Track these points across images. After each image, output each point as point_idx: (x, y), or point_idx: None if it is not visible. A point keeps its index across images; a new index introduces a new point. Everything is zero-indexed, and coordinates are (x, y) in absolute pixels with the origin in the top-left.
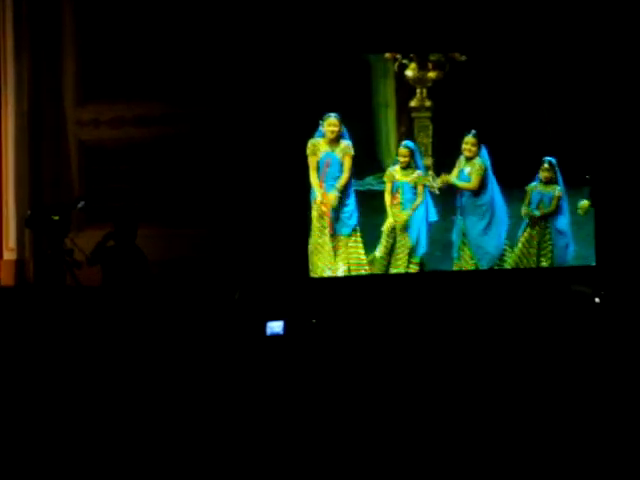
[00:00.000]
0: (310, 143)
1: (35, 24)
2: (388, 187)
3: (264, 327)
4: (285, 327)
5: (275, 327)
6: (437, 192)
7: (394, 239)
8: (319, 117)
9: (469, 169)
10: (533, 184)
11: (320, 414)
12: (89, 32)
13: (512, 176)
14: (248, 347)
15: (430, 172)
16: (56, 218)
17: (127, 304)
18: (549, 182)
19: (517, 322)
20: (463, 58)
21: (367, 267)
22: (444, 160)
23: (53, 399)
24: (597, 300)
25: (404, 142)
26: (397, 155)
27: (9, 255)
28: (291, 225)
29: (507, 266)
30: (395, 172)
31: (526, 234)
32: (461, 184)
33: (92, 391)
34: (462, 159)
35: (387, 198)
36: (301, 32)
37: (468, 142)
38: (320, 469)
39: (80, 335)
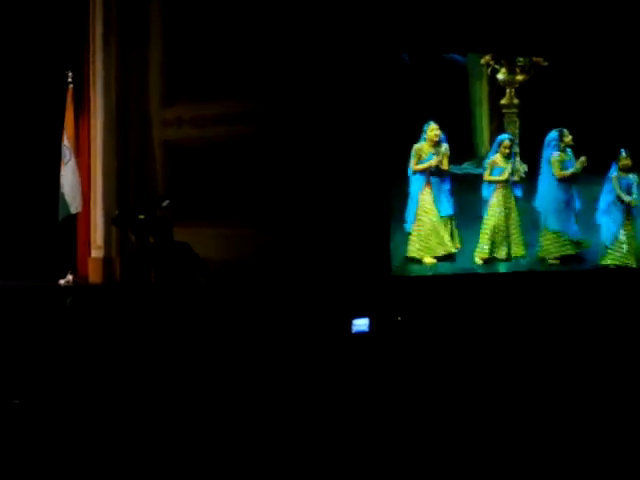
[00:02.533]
0: (416, 147)
1: (123, 27)
2: (488, 172)
3: (350, 325)
4: (371, 325)
5: (361, 325)
6: (523, 175)
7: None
8: (421, 121)
9: (575, 160)
10: (615, 173)
11: (404, 412)
12: (174, 32)
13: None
14: (334, 345)
15: (517, 158)
16: (142, 217)
17: (195, 303)
18: (628, 170)
19: (610, 325)
20: (545, 63)
21: (453, 248)
22: (529, 148)
23: (129, 392)
24: None
25: (504, 135)
26: (500, 145)
27: (97, 253)
28: (373, 222)
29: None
30: (497, 159)
31: (627, 226)
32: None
33: (167, 387)
34: (562, 154)
35: (489, 177)
36: (405, 37)
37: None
38: (407, 467)
39: (162, 332)
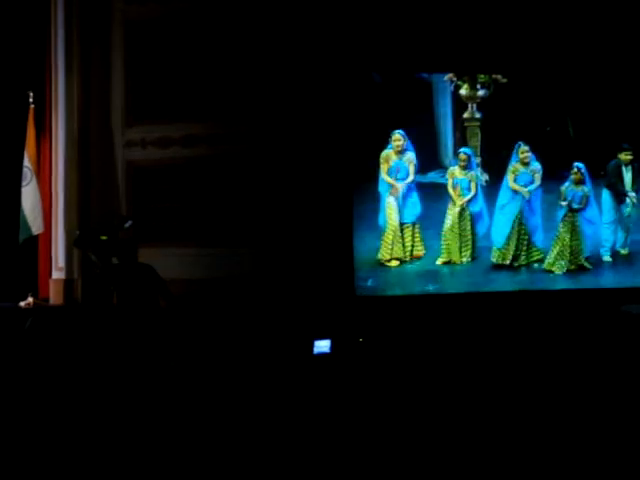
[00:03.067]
0: (383, 153)
1: (85, 47)
2: (450, 182)
3: (311, 346)
4: (332, 346)
5: (322, 346)
6: (484, 184)
7: (461, 228)
8: (386, 135)
9: (529, 172)
10: (566, 184)
11: (363, 433)
12: (137, 54)
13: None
14: (295, 366)
15: (479, 168)
16: (104, 238)
17: (161, 324)
18: (579, 183)
19: (567, 344)
20: (504, 80)
21: (423, 252)
22: (490, 159)
23: (90, 415)
24: None
25: (463, 149)
26: (457, 157)
27: (58, 274)
28: (337, 244)
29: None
30: (455, 171)
31: (566, 223)
32: (519, 187)
33: (129, 410)
34: (517, 165)
35: (450, 190)
36: (375, 58)
37: (524, 151)
38: None
39: (123, 353)
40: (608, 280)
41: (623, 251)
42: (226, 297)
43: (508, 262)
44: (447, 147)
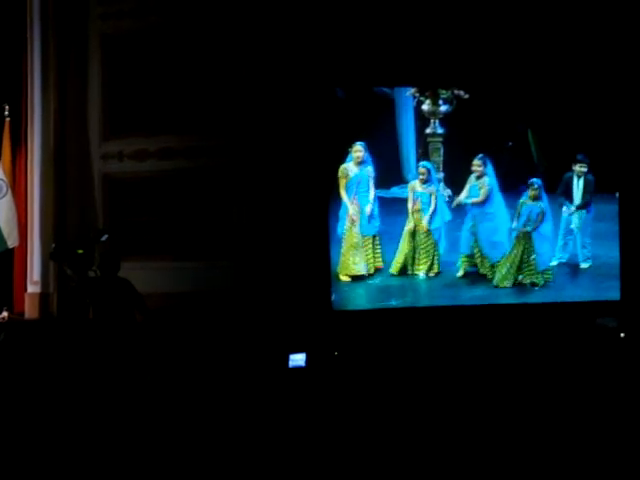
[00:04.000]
0: (342, 167)
1: (61, 61)
2: (410, 196)
3: (287, 359)
4: (307, 359)
5: (297, 359)
6: (447, 199)
7: (417, 241)
8: (347, 146)
9: (479, 185)
10: (522, 199)
11: (339, 447)
12: (114, 68)
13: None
14: (270, 380)
15: (441, 184)
16: (80, 252)
17: (137, 338)
18: (535, 199)
19: (540, 357)
20: (466, 96)
21: (381, 262)
22: (453, 174)
23: (68, 430)
24: (622, 335)
25: (422, 162)
26: (417, 172)
27: (34, 288)
28: (313, 257)
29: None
30: (416, 185)
31: (515, 250)
32: (472, 200)
33: (106, 424)
34: (472, 177)
35: (410, 205)
36: (336, 68)
37: (475, 164)
38: None
39: (99, 367)
40: (571, 293)
41: (584, 264)
42: (205, 311)
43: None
44: (409, 162)
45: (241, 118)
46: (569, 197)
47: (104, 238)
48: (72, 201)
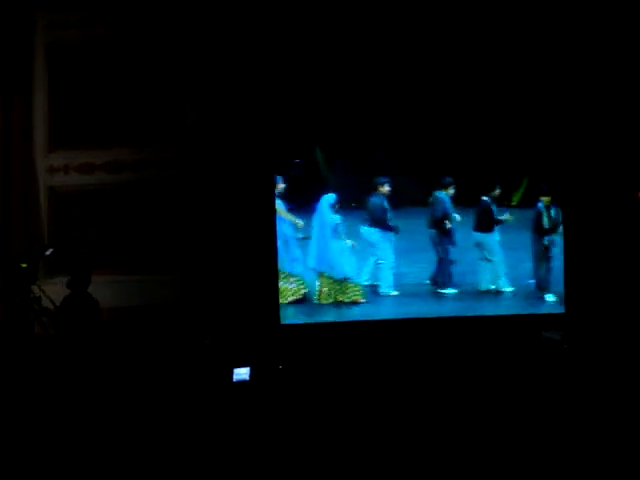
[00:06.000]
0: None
1: (6, 71)
2: None
3: (231, 373)
4: (252, 373)
5: (242, 373)
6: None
7: None
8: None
9: None
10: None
11: (284, 460)
12: (60, 79)
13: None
14: (214, 394)
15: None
16: (24, 265)
17: (85, 352)
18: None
19: (488, 369)
20: None
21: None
22: None
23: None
24: (565, 346)
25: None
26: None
27: None
28: (260, 271)
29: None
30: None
31: None
32: None
33: (55, 438)
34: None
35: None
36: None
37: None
38: None
39: (44, 383)
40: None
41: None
42: (151, 324)
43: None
44: None
45: (188, 130)
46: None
47: (49, 252)
48: (17, 214)
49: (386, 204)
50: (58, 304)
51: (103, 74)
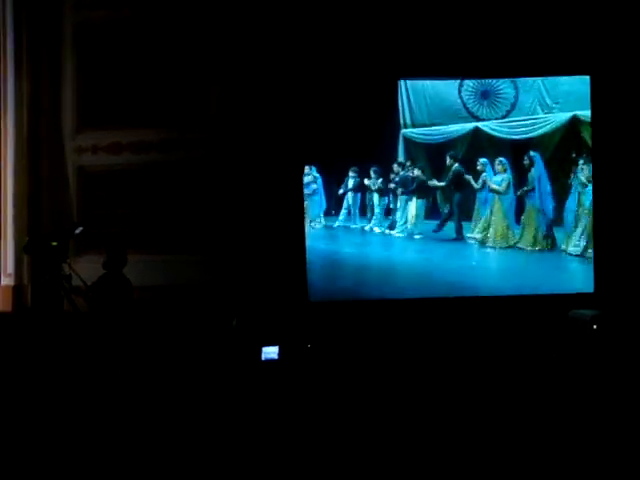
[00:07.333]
0: None
1: (35, 52)
2: None
3: (260, 352)
4: (280, 352)
5: (270, 352)
6: None
7: None
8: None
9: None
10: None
11: (313, 440)
12: (88, 60)
13: None
14: (243, 372)
15: None
16: (54, 244)
17: (116, 330)
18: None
19: (515, 348)
20: None
21: None
22: None
23: (46, 423)
24: (595, 327)
25: None
26: None
27: (7, 281)
28: (289, 250)
29: None
30: None
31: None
32: None
33: (85, 416)
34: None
35: None
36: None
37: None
38: None
39: (74, 361)
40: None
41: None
42: (178, 304)
43: None
44: None
45: (218, 111)
46: None
47: (78, 231)
48: (46, 194)
49: None
50: (88, 282)
51: (130, 55)
